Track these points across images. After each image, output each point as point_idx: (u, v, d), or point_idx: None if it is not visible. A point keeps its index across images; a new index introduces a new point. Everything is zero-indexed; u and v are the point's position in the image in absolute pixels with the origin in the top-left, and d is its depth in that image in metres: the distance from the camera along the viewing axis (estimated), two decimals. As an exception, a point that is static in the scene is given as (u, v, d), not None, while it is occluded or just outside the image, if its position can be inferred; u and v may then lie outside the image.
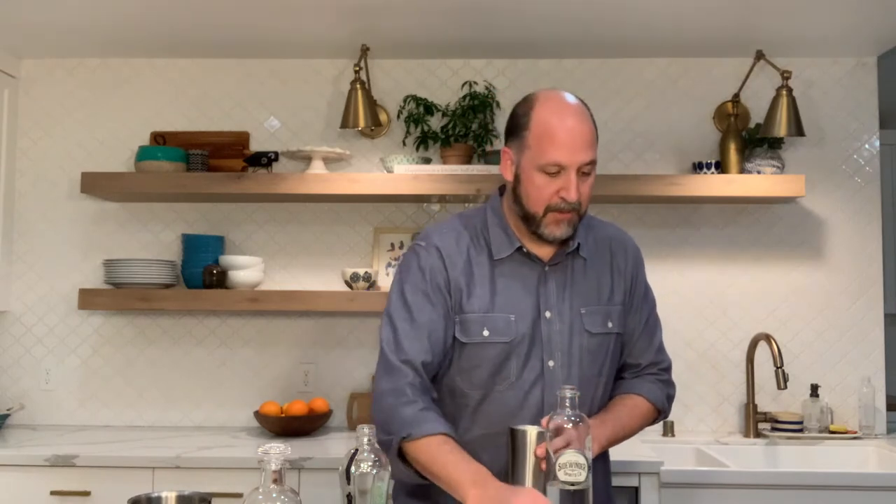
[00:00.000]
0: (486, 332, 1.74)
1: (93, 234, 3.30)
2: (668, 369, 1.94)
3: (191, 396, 3.26)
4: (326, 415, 3.05)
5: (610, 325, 1.82)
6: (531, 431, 1.57)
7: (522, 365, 1.75)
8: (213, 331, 3.28)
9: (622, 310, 1.85)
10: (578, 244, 1.80)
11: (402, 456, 1.64)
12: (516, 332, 1.74)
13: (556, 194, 1.68)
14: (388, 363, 1.72)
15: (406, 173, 3.01)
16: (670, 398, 1.93)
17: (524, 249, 1.77)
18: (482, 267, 1.78)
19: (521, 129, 1.72)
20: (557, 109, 1.70)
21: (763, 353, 3.07)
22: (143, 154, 3.12)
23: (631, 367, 1.91)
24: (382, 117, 3.27)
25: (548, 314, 1.76)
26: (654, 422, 1.92)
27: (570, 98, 1.73)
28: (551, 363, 1.75)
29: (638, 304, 1.89)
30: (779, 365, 2.87)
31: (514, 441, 1.58)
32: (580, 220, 1.75)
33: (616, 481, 2.49)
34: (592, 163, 1.69)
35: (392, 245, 3.24)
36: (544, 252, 1.78)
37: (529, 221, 1.73)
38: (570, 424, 1.51)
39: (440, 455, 1.58)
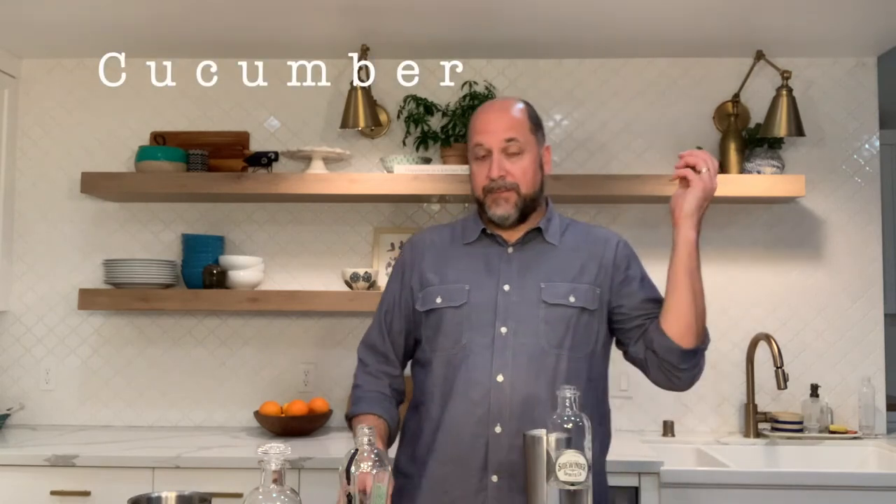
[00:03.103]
0: (438, 300, 1.92)
1: (93, 234, 3.30)
2: None
3: (191, 396, 3.26)
4: (326, 415, 3.05)
5: (572, 298, 1.87)
6: (545, 436, 1.55)
7: (475, 329, 1.86)
8: (213, 331, 3.28)
9: (592, 289, 1.90)
10: (540, 228, 1.94)
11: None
12: (468, 298, 1.88)
13: (487, 176, 1.88)
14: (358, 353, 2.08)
15: (406, 173, 3.01)
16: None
17: (488, 231, 1.95)
18: (453, 250, 1.98)
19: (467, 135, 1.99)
20: (483, 108, 1.97)
21: (763, 353, 3.07)
22: (143, 154, 3.12)
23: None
24: (382, 117, 3.27)
25: (506, 287, 1.89)
26: (705, 338, 1.86)
27: (500, 98, 2.07)
28: (503, 329, 1.85)
29: (634, 290, 1.92)
30: (779, 365, 2.87)
31: (528, 446, 1.58)
32: (524, 201, 1.89)
33: (616, 481, 2.51)
34: (514, 140, 1.87)
35: (392, 245, 3.24)
36: (509, 235, 1.94)
37: (481, 207, 1.93)
38: (570, 424, 1.51)
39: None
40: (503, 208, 1.88)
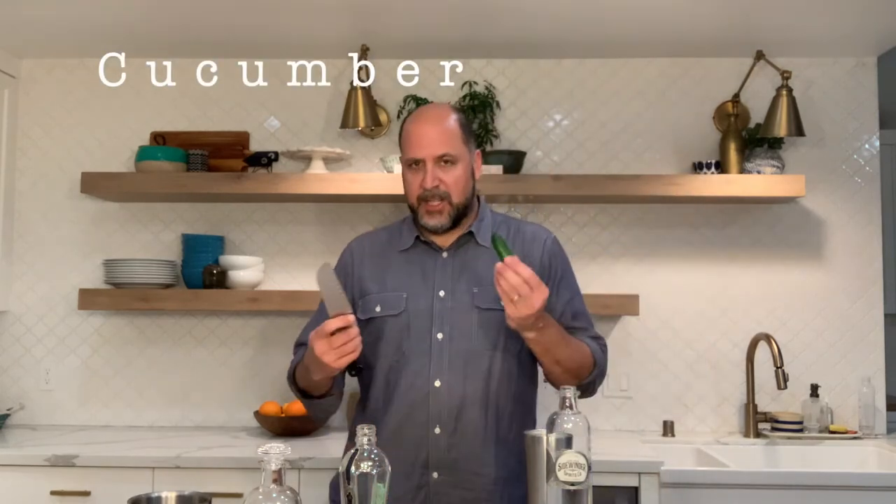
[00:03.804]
0: (378, 308, 1.99)
1: (93, 234, 3.30)
2: (605, 347, 2.05)
3: (191, 396, 3.26)
4: (326, 415, 3.05)
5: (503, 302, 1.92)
6: (545, 436, 1.56)
7: (415, 337, 1.94)
8: (213, 331, 3.28)
9: None
10: (471, 231, 2.00)
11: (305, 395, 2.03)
12: (406, 307, 1.96)
13: (420, 185, 1.93)
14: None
15: (406, 173, 3.01)
16: (603, 369, 2.01)
17: (422, 238, 2.02)
18: (390, 257, 2.05)
19: (399, 141, 2.03)
20: (414, 117, 2.01)
21: (763, 353, 3.07)
22: (143, 154, 3.12)
23: None
24: (382, 117, 3.27)
25: (441, 293, 1.96)
26: (586, 378, 1.95)
27: (433, 107, 2.09)
28: (440, 335, 1.93)
29: (554, 289, 1.97)
30: (779, 365, 2.87)
31: (528, 446, 1.58)
32: (457, 210, 1.95)
33: (616, 481, 2.53)
34: (447, 155, 1.92)
35: (392, 245, 3.24)
36: (443, 241, 2.01)
37: (415, 214, 1.99)
38: (570, 424, 1.51)
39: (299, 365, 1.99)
40: (436, 219, 1.94)
